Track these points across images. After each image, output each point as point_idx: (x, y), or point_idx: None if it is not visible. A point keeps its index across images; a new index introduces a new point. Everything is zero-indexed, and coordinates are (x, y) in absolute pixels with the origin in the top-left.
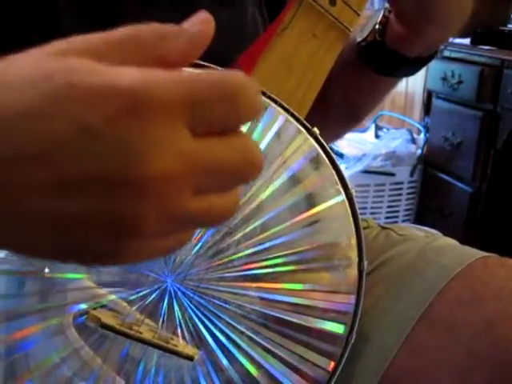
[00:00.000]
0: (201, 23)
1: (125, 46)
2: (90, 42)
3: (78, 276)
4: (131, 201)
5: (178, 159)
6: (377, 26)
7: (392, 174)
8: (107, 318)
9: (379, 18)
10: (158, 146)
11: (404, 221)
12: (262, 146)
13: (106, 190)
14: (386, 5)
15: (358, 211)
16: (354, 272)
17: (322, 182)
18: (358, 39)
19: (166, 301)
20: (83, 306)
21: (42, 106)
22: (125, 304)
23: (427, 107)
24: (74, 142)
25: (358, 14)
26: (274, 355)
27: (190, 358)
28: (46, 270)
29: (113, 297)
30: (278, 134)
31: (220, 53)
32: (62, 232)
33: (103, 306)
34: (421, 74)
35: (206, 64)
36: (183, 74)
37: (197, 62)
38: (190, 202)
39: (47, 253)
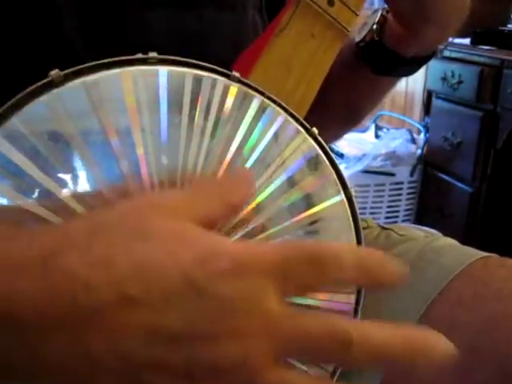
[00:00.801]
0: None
1: (202, 201)
2: (178, 200)
3: None
4: (212, 354)
5: (265, 320)
6: (375, 26)
7: (392, 174)
8: None
9: (377, 18)
10: (250, 304)
11: (404, 221)
12: (261, 146)
13: (193, 342)
14: (384, 5)
15: (358, 211)
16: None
17: (321, 181)
18: (356, 39)
19: None
20: None
21: (152, 257)
22: None
23: (427, 107)
24: (178, 294)
25: (356, 14)
26: None
27: None
28: None
29: None
30: (276, 134)
31: (221, 55)
32: (144, 376)
33: None
34: (421, 74)
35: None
36: (277, 244)
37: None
38: (267, 370)
39: None
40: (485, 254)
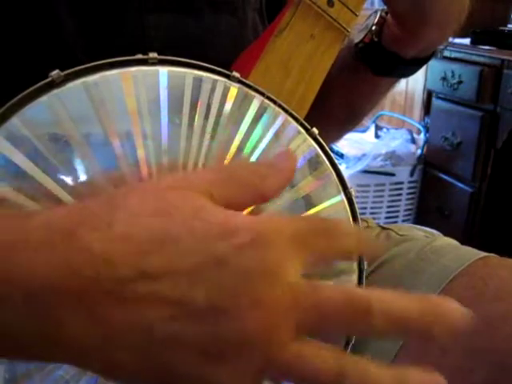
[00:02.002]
0: (287, 160)
1: (230, 187)
2: (201, 181)
3: None
4: (237, 328)
5: (286, 290)
6: (373, 27)
7: (392, 174)
8: None
9: (376, 19)
10: (274, 278)
11: (404, 221)
12: (261, 146)
13: (217, 316)
14: (384, 6)
15: (358, 211)
16: (354, 271)
17: (321, 181)
18: (355, 40)
19: None
20: None
21: (174, 232)
22: None
23: (427, 107)
24: (200, 268)
25: (356, 15)
26: None
27: None
28: None
29: None
30: (276, 135)
31: (221, 58)
32: (163, 355)
33: None
34: (421, 74)
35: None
36: (290, 217)
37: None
38: (289, 343)
39: (137, 374)
40: (485, 253)
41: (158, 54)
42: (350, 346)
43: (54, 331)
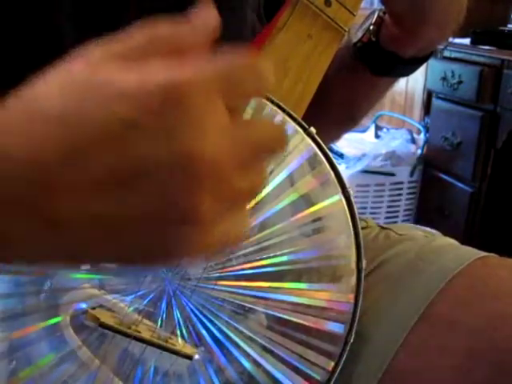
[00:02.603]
0: (205, 12)
1: (146, 46)
2: (113, 48)
3: (77, 276)
4: (185, 186)
5: (223, 136)
6: (372, 27)
7: (392, 174)
8: (106, 318)
9: (374, 19)
10: (203, 126)
11: (404, 221)
12: None
13: (159, 180)
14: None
15: (356, 210)
16: (352, 271)
17: (319, 181)
18: (353, 40)
19: (164, 300)
20: (81, 306)
21: (85, 105)
22: (122, 305)
23: (427, 107)
24: (121, 137)
25: (354, 15)
26: (273, 354)
27: (189, 358)
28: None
29: (110, 297)
30: None
31: None
32: (122, 231)
33: (101, 307)
34: (421, 74)
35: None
36: (209, 61)
37: None
38: (238, 179)
39: (111, 256)
40: (484, 253)
41: None
42: (348, 345)
43: (2, 239)
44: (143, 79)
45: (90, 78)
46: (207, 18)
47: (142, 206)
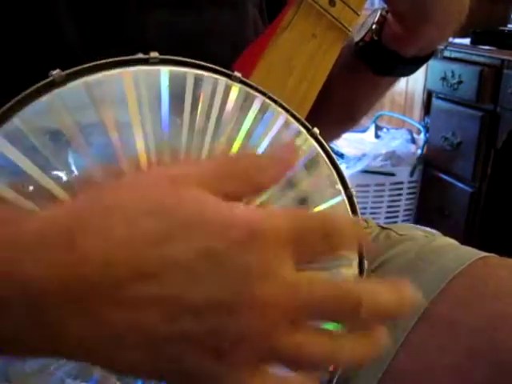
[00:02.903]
0: (288, 152)
1: (229, 178)
2: (201, 173)
3: None
4: (236, 324)
5: (282, 287)
6: (374, 26)
7: (392, 174)
8: None
9: (376, 18)
10: (269, 275)
11: (404, 221)
12: (262, 146)
13: (216, 315)
14: (384, 5)
15: (359, 211)
16: (354, 272)
17: (322, 181)
18: (356, 39)
19: None
20: None
21: (171, 231)
22: None
23: (427, 107)
24: (198, 265)
25: (358, 14)
26: None
27: None
28: None
29: None
30: (278, 135)
31: (221, 55)
32: (167, 350)
33: None
34: (421, 74)
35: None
36: (292, 211)
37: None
38: (286, 334)
39: (144, 371)
40: (484, 253)
41: (159, 52)
42: None
43: (56, 332)
44: (234, 214)
45: (179, 199)
46: (288, 155)
47: (194, 333)
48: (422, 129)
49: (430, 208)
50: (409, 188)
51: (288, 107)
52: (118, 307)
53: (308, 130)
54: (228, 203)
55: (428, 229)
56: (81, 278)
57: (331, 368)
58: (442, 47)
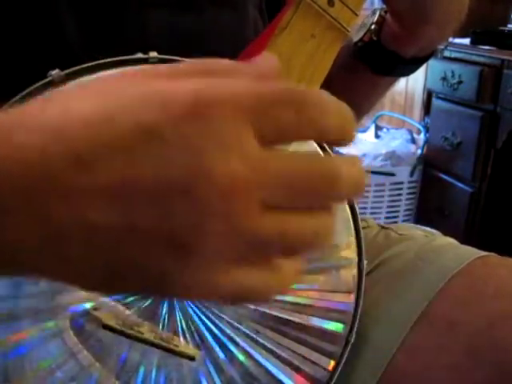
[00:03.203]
0: (264, 58)
1: (192, 71)
2: (158, 69)
3: None
4: (193, 211)
5: (245, 164)
6: (373, 26)
7: (392, 174)
8: (107, 319)
9: (375, 18)
10: (225, 148)
11: (404, 221)
12: None
13: (167, 198)
14: (383, 5)
15: (358, 211)
16: (353, 271)
17: None
18: (355, 39)
19: (166, 301)
20: (81, 308)
21: (106, 109)
22: (122, 307)
23: (427, 107)
24: (137, 144)
25: (356, 14)
26: (274, 354)
27: (191, 358)
28: None
29: (110, 299)
30: None
31: (221, 55)
32: (119, 245)
33: (101, 308)
34: (421, 74)
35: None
36: (248, 81)
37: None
38: (260, 218)
39: (98, 276)
40: (484, 253)
41: (158, 52)
42: (349, 345)
43: (10, 237)
44: (175, 88)
45: (123, 86)
46: (266, 62)
47: (145, 222)
48: (422, 129)
49: (429, 208)
50: (409, 188)
51: None
52: (61, 201)
53: None
54: (172, 79)
55: (428, 228)
56: (16, 176)
57: (331, 368)
58: (441, 47)
